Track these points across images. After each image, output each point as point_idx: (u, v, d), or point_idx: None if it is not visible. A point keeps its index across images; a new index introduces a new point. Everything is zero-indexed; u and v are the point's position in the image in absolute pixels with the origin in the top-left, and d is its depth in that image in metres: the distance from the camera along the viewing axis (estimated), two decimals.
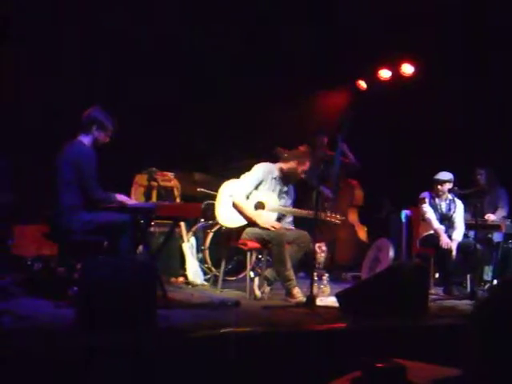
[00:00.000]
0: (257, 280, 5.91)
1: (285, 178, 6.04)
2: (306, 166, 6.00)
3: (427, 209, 6.78)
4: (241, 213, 5.89)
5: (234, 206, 5.92)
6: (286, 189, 6.10)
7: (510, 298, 1.33)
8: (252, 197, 5.93)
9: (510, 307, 1.29)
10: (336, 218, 5.85)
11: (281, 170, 6.02)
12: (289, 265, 5.60)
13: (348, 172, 8.26)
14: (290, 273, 5.59)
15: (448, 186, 6.72)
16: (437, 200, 6.83)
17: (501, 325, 1.29)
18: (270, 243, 5.72)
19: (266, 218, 5.85)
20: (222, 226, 6.30)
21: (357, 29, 7.83)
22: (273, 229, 5.75)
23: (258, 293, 5.76)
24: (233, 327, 4.03)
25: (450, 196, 6.85)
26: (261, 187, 5.95)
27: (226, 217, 6.02)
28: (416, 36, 7.55)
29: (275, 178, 6.01)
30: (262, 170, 5.99)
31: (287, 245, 5.70)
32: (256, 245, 5.88)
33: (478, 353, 1.33)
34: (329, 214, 5.85)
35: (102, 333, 3.69)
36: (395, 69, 8.73)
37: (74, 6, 6.86)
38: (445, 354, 2.46)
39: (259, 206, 5.95)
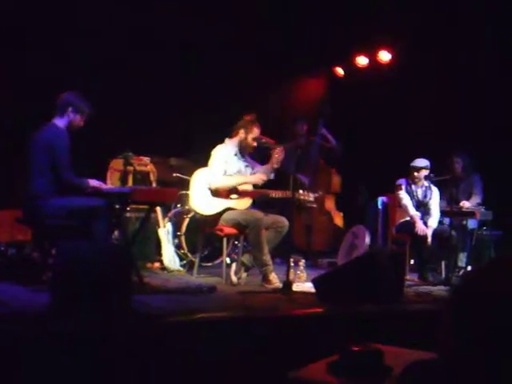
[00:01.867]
0: (233, 266, 5.89)
1: (241, 150, 6.04)
2: (255, 132, 5.97)
3: (403, 195, 6.81)
4: (225, 193, 5.89)
5: (216, 191, 5.91)
6: (246, 163, 6.11)
7: (483, 284, 1.33)
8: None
9: (484, 293, 1.29)
10: (308, 196, 5.87)
11: (234, 144, 6.03)
12: (266, 250, 5.60)
13: (329, 156, 8.25)
14: (267, 257, 5.60)
15: (424, 172, 6.75)
16: (413, 187, 6.87)
17: (474, 310, 1.29)
18: (247, 228, 5.71)
19: (243, 201, 5.87)
20: (198, 214, 6.25)
21: (332, 15, 7.80)
22: (261, 181, 5.84)
23: (234, 278, 5.75)
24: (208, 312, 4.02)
25: (426, 183, 6.88)
26: (229, 171, 5.94)
27: (201, 204, 5.98)
28: (393, 23, 7.56)
29: (236, 155, 6.02)
30: (222, 150, 6.00)
31: (265, 230, 5.70)
32: (232, 230, 5.87)
33: (453, 337, 1.33)
34: (302, 193, 5.86)
35: (76, 317, 3.65)
36: (372, 56, 8.75)
37: None
38: (420, 338, 2.47)
39: (234, 191, 5.93)
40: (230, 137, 6.06)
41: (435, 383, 1.51)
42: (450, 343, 1.35)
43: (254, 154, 6.22)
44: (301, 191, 5.87)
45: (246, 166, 6.09)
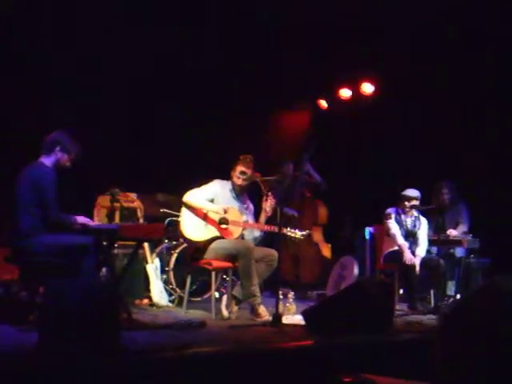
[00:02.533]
0: (224, 299, 5.87)
1: (240, 186, 6.08)
2: (238, 170, 6.02)
3: (392, 224, 6.82)
4: (191, 209, 5.96)
5: (184, 204, 5.99)
6: (245, 205, 6.16)
7: (471, 312, 1.34)
8: (213, 215, 5.96)
9: (472, 320, 1.31)
10: (296, 234, 5.89)
11: (233, 180, 6.08)
12: (255, 280, 5.59)
13: (313, 191, 8.32)
14: (256, 289, 5.59)
15: (414, 202, 6.79)
16: (403, 216, 6.89)
17: (463, 337, 1.30)
18: (237, 257, 5.70)
19: (232, 231, 5.90)
20: (188, 240, 6.22)
21: (315, 48, 7.89)
22: (222, 212, 5.86)
23: (225, 312, 5.72)
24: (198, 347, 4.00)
25: (415, 213, 6.91)
26: (220, 202, 5.97)
27: (190, 230, 5.99)
28: (375, 54, 7.66)
29: (231, 190, 6.08)
30: (216, 182, 6.10)
31: (255, 262, 5.70)
32: (221, 264, 5.86)
33: (442, 365, 1.34)
34: (289, 230, 5.88)
35: (65, 356, 3.61)
36: (355, 88, 8.85)
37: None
38: (411, 368, 2.47)
39: (223, 221, 5.94)
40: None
41: None
42: (441, 371, 1.36)
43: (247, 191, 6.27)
44: (288, 228, 5.89)
45: (245, 208, 6.13)
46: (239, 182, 6.04)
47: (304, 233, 6.04)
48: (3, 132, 6.81)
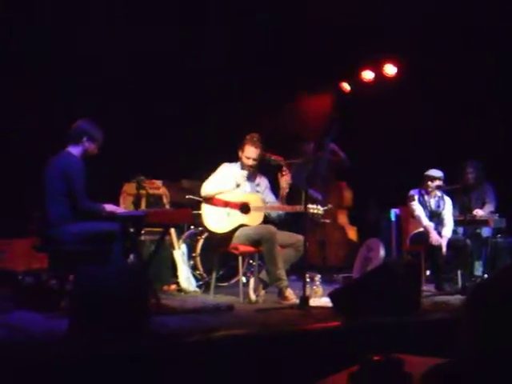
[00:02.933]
0: (252, 283, 5.90)
1: (251, 167, 6.09)
2: (249, 151, 6.03)
3: (416, 206, 6.80)
4: (211, 201, 5.97)
5: (204, 199, 6.00)
6: (256, 182, 6.17)
7: (498, 288, 1.35)
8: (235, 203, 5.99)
9: (498, 296, 1.32)
10: (318, 210, 5.88)
11: (242, 161, 6.09)
12: (280, 264, 5.61)
13: (338, 170, 8.32)
14: (282, 272, 5.61)
15: (438, 182, 6.76)
16: (426, 197, 6.87)
17: (489, 313, 1.31)
18: (260, 242, 5.73)
19: (254, 217, 5.91)
20: (212, 233, 6.27)
21: (338, 30, 7.85)
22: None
23: (252, 296, 5.75)
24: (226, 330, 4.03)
25: (438, 193, 6.89)
26: (238, 191, 6.00)
27: (213, 223, 6.02)
28: (398, 36, 7.61)
29: (243, 175, 6.10)
30: (224, 166, 6.12)
31: (282, 248, 5.73)
32: (247, 248, 5.89)
33: (470, 342, 1.35)
34: (311, 207, 5.86)
35: (96, 341, 3.67)
36: (378, 70, 8.80)
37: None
38: (439, 347, 2.48)
39: (245, 207, 5.96)
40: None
41: None
42: (467, 347, 1.37)
43: (266, 173, 6.27)
44: (310, 205, 5.87)
45: (257, 188, 6.13)
46: (249, 163, 6.06)
47: (326, 208, 6.06)
48: (30, 122, 6.89)
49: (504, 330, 1.31)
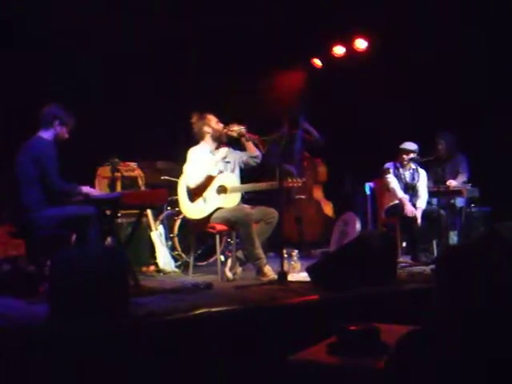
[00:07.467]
0: (228, 262, 5.94)
1: (218, 145, 6.08)
2: (212, 118, 6.05)
3: (391, 179, 6.88)
4: (205, 186, 5.94)
5: (197, 187, 5.94)
6: (223, 156, 6.09)
7: (472, 256, 1.39)
8: (211, 187, 5.97)
9: (472, 265, 1.35)
10: (297, 182, 5.89)
11: (209, 143, 6.07)
12: (257, 243, 5.64)
13: (312, 149, 8.36)
14: (259, 251, 5.64)
15: (412, 155, 6.83)
16: (401, 170, 6.94)
17: (457, 278, 1.35)
18: (236, 224, 5.75)
19: (231, 198, 5.90)
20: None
21: (308, 6, 7.83)
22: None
23: (229, 275, 5.78)
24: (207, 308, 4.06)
25: (413, 166, 6.96)
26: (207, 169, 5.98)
27: (191, 209, 6.01)
28: (368, 9, 7.61)
29: (211, 152, 6.05)
30: (193, 151, 6.05)
31: (255, 224, 5.75)
32: (224, 227, 5.90)
33: (438, 305, 1.39)
34: (289, 180, 5.88)
35: (76, 324, 3.68)
36: (349, 44, 8.80)
37: None
38: (415, 316, 2.53)
39: (221, 189, 5.96)
40: (199, 141, 6.11)
41: (426, 351, 1.57)
42: (439, 310, 1.41)
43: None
44: (289, 179, 5.88)
45: (223, 162, 6.08)
46: (219, 127, 6.02)
47: (304, 179, 6.16)
48: None
49: (470, 292, 1.34)
